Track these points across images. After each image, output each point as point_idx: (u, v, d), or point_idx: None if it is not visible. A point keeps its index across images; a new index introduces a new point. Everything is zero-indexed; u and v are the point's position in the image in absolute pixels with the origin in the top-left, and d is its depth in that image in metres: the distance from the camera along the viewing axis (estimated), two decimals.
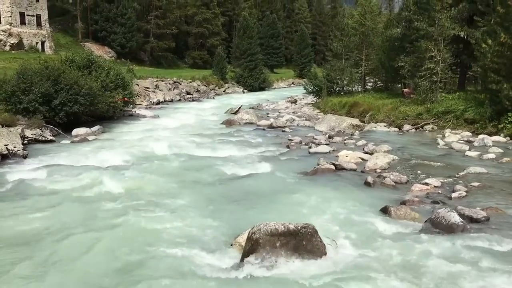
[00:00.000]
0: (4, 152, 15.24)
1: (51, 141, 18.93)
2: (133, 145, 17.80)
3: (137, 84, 38.79)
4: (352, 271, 7.14)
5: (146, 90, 40.62)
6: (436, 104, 22.53)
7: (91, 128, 21.37)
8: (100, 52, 49.93)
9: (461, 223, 8.65)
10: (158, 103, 39.09)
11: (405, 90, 27.64)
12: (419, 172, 13.31)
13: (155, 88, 42.93)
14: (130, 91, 28.41)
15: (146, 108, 33.51)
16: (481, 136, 18.03)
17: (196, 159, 15.60)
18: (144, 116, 28.75)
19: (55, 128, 20.37)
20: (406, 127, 21.92)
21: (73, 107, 20.88)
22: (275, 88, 67.61)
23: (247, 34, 63.33)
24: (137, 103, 33.46)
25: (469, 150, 16.34)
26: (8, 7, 42.70)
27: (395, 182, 12.25)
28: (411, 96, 25.46)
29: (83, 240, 8.44)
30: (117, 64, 37.19)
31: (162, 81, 46.68)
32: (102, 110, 23.83)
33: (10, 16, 42.90)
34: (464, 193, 11.00)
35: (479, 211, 9.37)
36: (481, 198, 10.74)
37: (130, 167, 14.17)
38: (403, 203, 10.47)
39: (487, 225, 8.96)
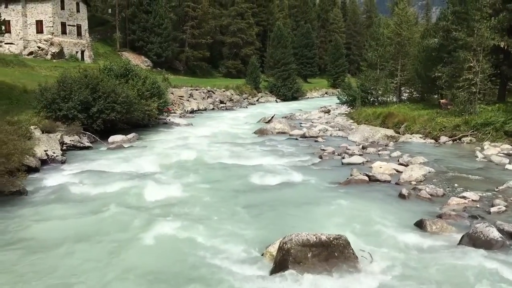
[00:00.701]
0: (44, 158, 15.74)
1: (88, 148, 19.43)
2: (167, 153, 18.05)
3: (172, 93, 39.46)
4: (385, 285, 6.99)
5: (180, 99, 41.24)
6: (474, 115, 21.92)
7: (127, 136, 21.81)
8: (137, 61, 51.10)
9: (501, 239, 8.35)
10: (192, 111, 39.59)
11: (442, 101, 27.06)
12: (456, 185, 12.95)
13: (189, 97, 43.54)
14: (165, 100, 28.91)
15: (180, 117, 33.98)
16: None
17: (228, 168, 15.68)
18: (178, 124, 29.17)
19: (93, 135, 20.91)
20: (443, 138, 21.39)
21: (110, 114, 21.39)
22: (308, 97, 67.45)
23: (281, 43, 63.57)
24: (172, 111, 34.01)
25: (510, 163, 15.78)
26: (50, 17, 44.30)
27: (431, 195, 11.96)
28: (449, 107, 24.88)
29: (116, 246, 8.59)
30: (153, 73, 37.96)
31: (196, 90, 47.33)
32: (137, 117, 24.33)
33: (52, 26, 44.47)
34: (504, 208, 10.62)
35: None
36: None
37: (164, 175, 14.38)
38: (439, 216, 10.20)
39: None
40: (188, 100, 42.29)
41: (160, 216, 10.24)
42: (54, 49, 44.55)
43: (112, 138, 21.16)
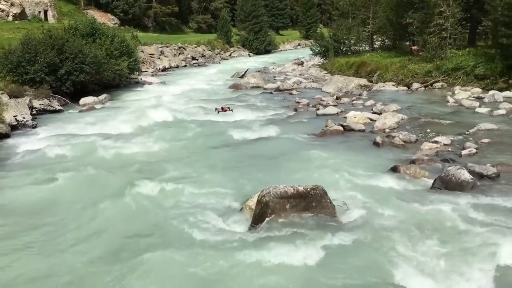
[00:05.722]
0: (14, 123, 15.38)
1: (59, 111, 19.00)
2: (141, 113, 17.78)
3: (142, 51, 38.47)
4: (363, 231, 7.19)
5: (151, 57, 40.29)
6: (445, 61, 22.13)
7: (98, 97, 21.36)
8: (103, 20, 49.22)
9: (471, 180, 8.63)
10: (164, 69, 38.83)
11: (414, 47, 27.15)
12: (428, 130, 13.22)
13: (160, 55, 42.58)
14: (135, 58, 28.18)
15: (152, 75, 33.30)
16: (491, 92, 17.77)
17: (204, 125, 15.59)
18: (150, 83, 28.58)
19: (63, 98, 20.39)
20: (415, 85, 21.62)
21: (79, 76, 20.80)
22: (281, 50, 66.76)
23: None
24: (143, 70, 33.25)
25: (480, 106, 16.14)
26: None
27: (404, 142, 12.20)
28: (420, 53, 25.02)
29: (92, 208, 8.54)
30: (121, 31, 36.74)
31: (167, 47, 46.23)
32: (108, 78, 23.76)
33: None
34: (475, 150, 10.93)
35: (489, 168, 9.33)
36: (491, 155, 10.69)
37: (138, 135, 14.22)
38: (413, 162, 10.45)
39: (498, 181, 8.95)
40: (159, 58, 41.40)
41: (136, 175, 10.18)
42: (15, 10, 42.68)
43: (83, 100, 20.69)
